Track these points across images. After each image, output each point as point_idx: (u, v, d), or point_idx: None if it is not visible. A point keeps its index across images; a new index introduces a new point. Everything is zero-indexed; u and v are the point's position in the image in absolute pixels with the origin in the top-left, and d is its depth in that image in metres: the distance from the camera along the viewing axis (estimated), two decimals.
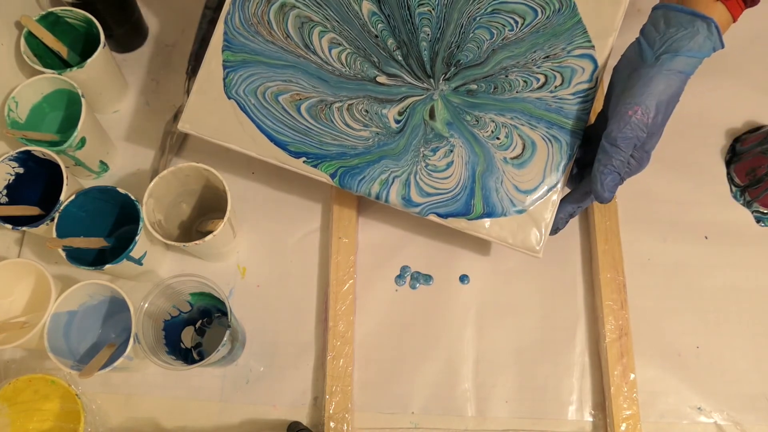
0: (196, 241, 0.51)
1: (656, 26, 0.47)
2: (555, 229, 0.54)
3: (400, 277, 0.60)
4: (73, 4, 0.58)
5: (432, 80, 0.53)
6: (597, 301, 0.58)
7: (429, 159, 0.52)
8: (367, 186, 0.52)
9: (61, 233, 0.52)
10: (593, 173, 0.48)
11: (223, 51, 0.54)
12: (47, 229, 0.53)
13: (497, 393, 0.57)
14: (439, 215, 0.51)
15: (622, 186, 0.60)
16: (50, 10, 0.58)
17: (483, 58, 0.53)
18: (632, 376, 0.54)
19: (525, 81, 0.52)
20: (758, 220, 0.62)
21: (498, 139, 0.52)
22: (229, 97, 0.53)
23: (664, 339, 0.58)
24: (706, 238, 0.61)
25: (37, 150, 0.54)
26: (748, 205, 0.62)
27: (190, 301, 0.54)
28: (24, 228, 0.53)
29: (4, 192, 0.55)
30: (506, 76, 0.53)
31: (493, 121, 0.52)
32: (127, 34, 0.67)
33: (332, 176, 0.52)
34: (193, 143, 0.65)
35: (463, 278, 0.60)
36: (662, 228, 0.62)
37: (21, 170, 0.55)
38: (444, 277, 0.60)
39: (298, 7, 0.54)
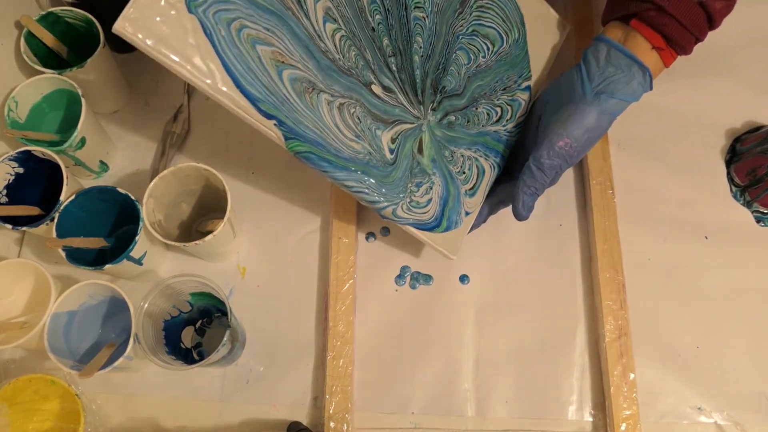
0: (196, 241, 0.51)
1: (597, 59, 0.49)
2: (472, 229, 0.56)
3: (400, 277, 0.60)
4: (73, 4, 0.58)
5: (422, 107, 0.51)
6: (596, 301, 0.58)
7: (414, 195, 0.51)
8: (338, 174, 0.47)
9: (61, 233, 0.52)
10: (516, 192, 0.51)
11: None
12: (47, 229, 0.53)
13: (497, 393, 0.57)
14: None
15: (622, 186, 0.61)
16: (50, 10, 0.58)
17: (462, 87, 0.53)
18: (632, 376, 0.54)
19: (488, 113, 0.54)
20: (758, 220, 0.62)
21: (464, 174, 0.53)
22: (191, 12, 0.41)
23: (664, 339, 0.58)
24: (706, 238, 0.61)
25: (37, 150, 0.54)
26: (748, 205, 0.62)
27: (190, 301, 0.54)
28: (24, 228, 0.53)
29: (4, 192, 0.55)
30: (476, 109, 0.53)
31: (462, 156, 0.53)
32: None
33: (297, 154, 0.46)
34: (193, 143, 0.65)
35: (463, 278, 0.60)
36: (662, 228, 0.62)
37: (21, 170, 0.55)
38: (444, 277, 0.60)
39: None
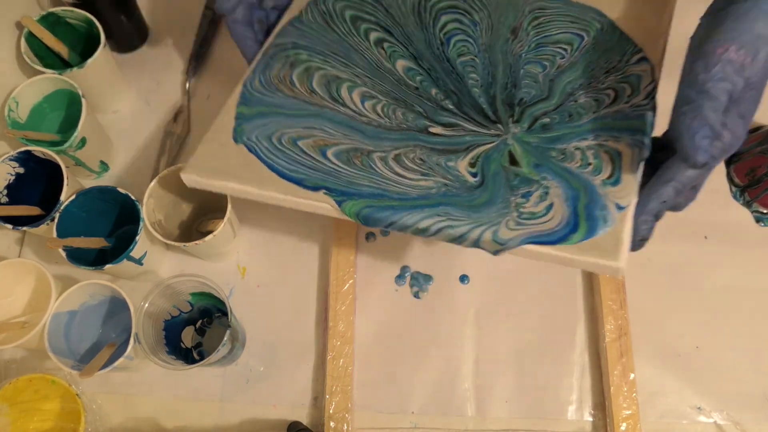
0: (196, 241, 0.51)
1: None
2: (640, 240, 0.43)
3: (400, 277, 0.60)
4: (73, 5, 0.59)
5: (499, 125, 0.47)
6: (596, 301, 0.58)
7: (523, 207, 0.43)
8: (407, 219, 0.42)
9: (62, 233, 0.52)
10: (680, 131, 0.37)
11: (237, 106, 0.49)
12: (47, 229, 0.53)
13: (497, 393, 0.57)
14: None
15: None
16: (51, 10, 0.58)
17: (546, 90, 0.49)
18: (632, 375, 0.54)
19: (596, 100, 0.48)
20: (758, 220, 0.62)
21: (589, 164, 0.44)
22: (237, 142, 0.47)
23: (664, 339, 0.58)
24: (706, 238, 0.61)
25: (38, 150, 0.54)
26: (747, 205, 0.62)
27: (191, 301, 0.55)
28: (24, 228, 0.53)
29: (5, 192, 0.55)
30: (575, 101, 0.48)
31: (578, 149, 0.46)
32: (127, 34, 0.67)
33: (357, 216, 0.43)
34: (194, 143, 0.65)
35: (463, 278, 0.60)
36: (662, 228, 0.61)
37: (21, 170, 0.56)
38: (444, 277, 0.60)
39: (324, 69, 0.50)
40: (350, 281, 0.58)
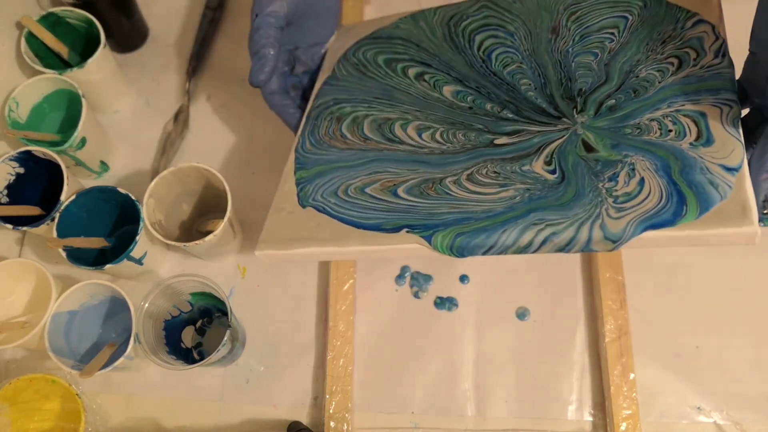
0: (197, 241, 0.51)
1: None
2: (764, 201, 0.40)
3: (400, 277, 0.60)
4: (73, 5, 0.59)
5: (565, 119, 0.46)
6: (596, 301, 0.58)
7: (615, 190, 0.41)
8: (505, 238, 0.41)
9: (62, 233, 0.53)
10: None
11: (296, 172, 0.49)
12: (48, 229, 0.53)
13: (497, 393, 0.57)
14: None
15: None
16: (51, 10, 0.58)
17: (603, 75, 0.47)
18: (632, 375, 0.54)
19: (660, 71, 0.47)
20: (758, 220, 0.62)
21: (670, 131, 0.43)
22: (305, 206, 0.47)
23: (664, 339, 0.58)
24: None
25: (38, 150, 0.54)
26: None
27: (191, 301, 0.55)
28: (25, 228, 0.53)
29: (5, 192, 0.55)
30: (637, 77, 0.47)
31: (654, 120, 0.44)
32: (127, 34, 0.68)
33: (450, 249, 0.42)
34: (194, 143, 0.65)
35: (463, 278, 0.60)
36: None
37: (22, 170, 0.56)
38: (444, 277, 0.60)
39: (372, 114, 0.50)
40: (350, 281, 0.58)
